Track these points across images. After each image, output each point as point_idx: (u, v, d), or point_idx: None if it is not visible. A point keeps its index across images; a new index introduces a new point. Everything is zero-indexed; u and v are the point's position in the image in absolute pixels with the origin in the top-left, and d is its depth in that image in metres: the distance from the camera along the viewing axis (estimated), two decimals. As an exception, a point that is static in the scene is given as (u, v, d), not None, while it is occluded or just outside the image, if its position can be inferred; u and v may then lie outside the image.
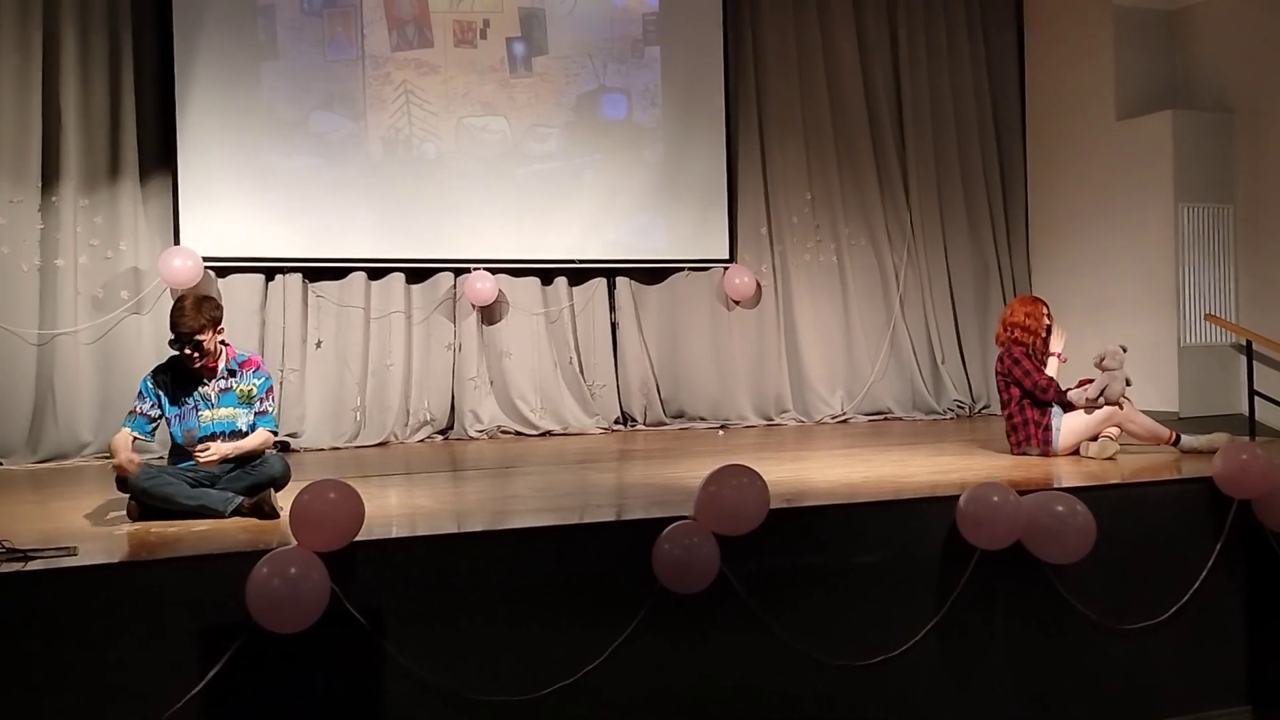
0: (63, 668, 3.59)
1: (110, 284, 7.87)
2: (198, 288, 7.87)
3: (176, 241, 7.98)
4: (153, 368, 5.02)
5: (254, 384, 4.98)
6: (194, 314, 4.77)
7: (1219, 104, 9.06)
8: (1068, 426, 6.22)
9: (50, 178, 7.71)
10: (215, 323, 4.86)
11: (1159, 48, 9.45)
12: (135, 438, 4.79)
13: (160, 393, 4.88)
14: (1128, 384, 6.28)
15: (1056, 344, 6.40)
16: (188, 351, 4.79)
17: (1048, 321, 6.46)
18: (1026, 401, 6.31)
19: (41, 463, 7.49)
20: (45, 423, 7.62)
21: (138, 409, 4.86)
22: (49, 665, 3.58)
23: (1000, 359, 6.45)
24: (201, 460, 4.72)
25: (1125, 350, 6.28)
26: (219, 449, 4.76)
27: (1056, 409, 6.26)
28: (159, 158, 8.06)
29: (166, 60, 8.02)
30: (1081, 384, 6.31)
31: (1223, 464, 4.99)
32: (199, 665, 3.68)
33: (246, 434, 4.91)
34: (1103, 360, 6.28)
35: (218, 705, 3.69)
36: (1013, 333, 6.42)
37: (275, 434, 5.11)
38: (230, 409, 4.91)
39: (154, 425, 4.90)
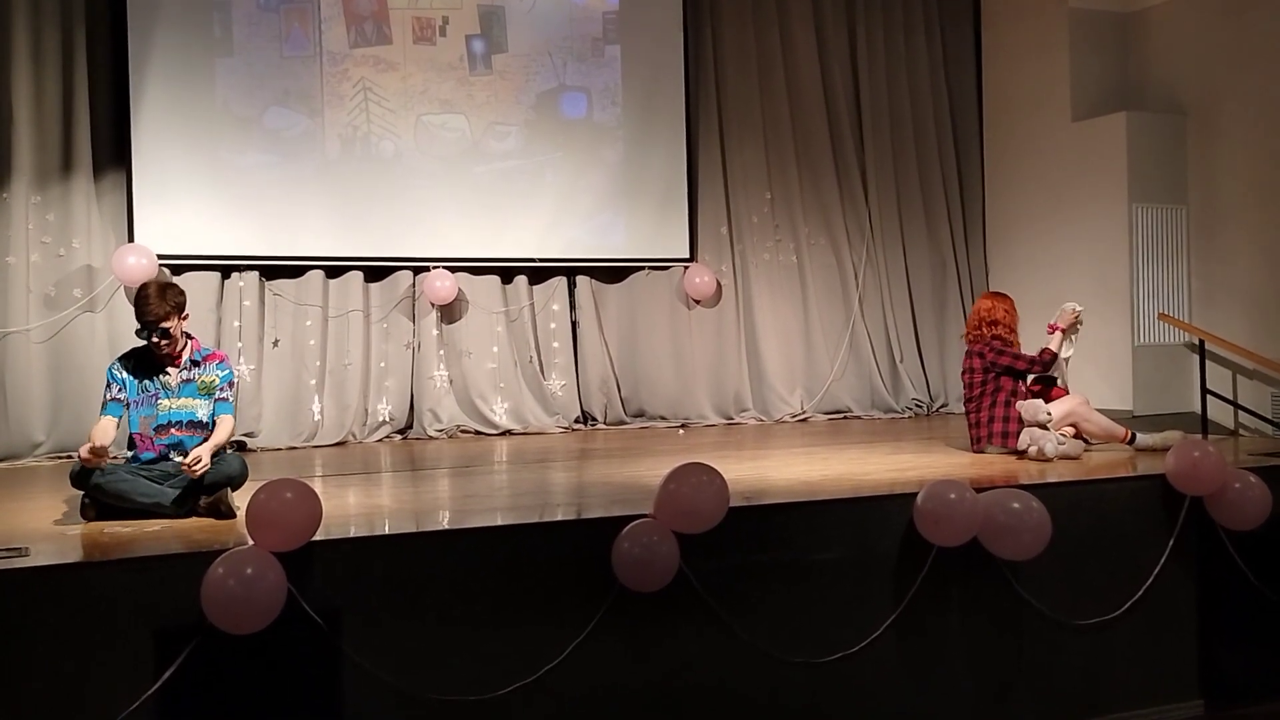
0: (14, 670, 3.54)
1: (63, 282, 7.76)
2: (153, 285, 7.78)
3: (130, 239, 7.89)
4: (118, 355, 5.04)
5: (216, 375, 4.98)
6: (159, 301, 4.79)
7: (1172, 106, 9.16)
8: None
9: (1, 174, 7.58)
10: (180, 309, 4.88)
11: (1113, 50, 9.55)
12: (116, 423, 4.80)
13: (125, 377, 4.88)
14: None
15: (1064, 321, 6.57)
16: (154, 339, 4.80)
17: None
18: (989, 400, 6.36)
19: (-8, 463, 7.39)
20: (-4, 422, 7.51)
21: (108, 395, 4.86)
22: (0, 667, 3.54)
23: (973, 355, 6.47)
24: (196, 471, 4.63)
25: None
26: (205, 456, 4.65)
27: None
28: (113, 154, 7.96)
29: (120, 56, 7.93)
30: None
31: (1176, 461, 5.07)
32: (154, 667, 3.64)
33: (205, 423, 4.90)
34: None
35: (173, 708, 3.65)
36: (995, 329, 6.46)
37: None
38: (190, 399, 4.90)
39: (126, 410, 4.89)
